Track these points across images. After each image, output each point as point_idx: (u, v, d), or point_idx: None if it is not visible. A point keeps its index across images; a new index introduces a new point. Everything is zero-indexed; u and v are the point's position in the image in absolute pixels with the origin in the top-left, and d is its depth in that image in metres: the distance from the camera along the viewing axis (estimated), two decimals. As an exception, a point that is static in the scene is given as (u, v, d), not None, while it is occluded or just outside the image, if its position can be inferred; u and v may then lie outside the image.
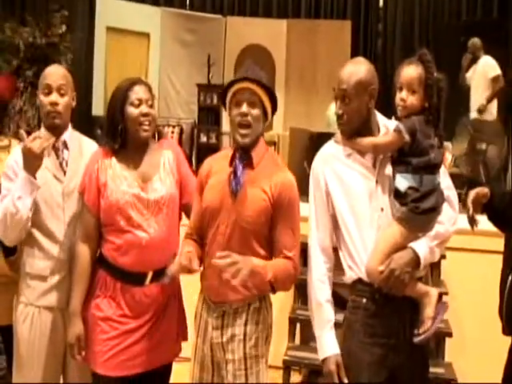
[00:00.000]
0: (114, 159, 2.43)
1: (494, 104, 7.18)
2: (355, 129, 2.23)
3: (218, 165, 2.32)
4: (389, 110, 2.33)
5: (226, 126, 7.98)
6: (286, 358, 3.66)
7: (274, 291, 2.26)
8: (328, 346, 2.26)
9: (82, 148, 2.59)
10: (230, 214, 2.23)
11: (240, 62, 8.79)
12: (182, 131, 7.59)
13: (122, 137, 2.41)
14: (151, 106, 2.41)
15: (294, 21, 9.09)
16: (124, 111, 2.38)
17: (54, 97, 2.48)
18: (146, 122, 2.38)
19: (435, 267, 3.94)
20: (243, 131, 2.23)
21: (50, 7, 7.23)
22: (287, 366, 3.65)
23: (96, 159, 2.45)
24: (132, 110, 2.37)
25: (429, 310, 2.18)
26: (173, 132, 7.49)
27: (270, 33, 8.84)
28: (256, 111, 2.22)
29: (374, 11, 9.58)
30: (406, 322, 2.20)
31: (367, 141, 2.22)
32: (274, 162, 2.32)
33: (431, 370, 3.10)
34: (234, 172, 2.23)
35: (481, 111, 7.05)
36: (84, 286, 2.42)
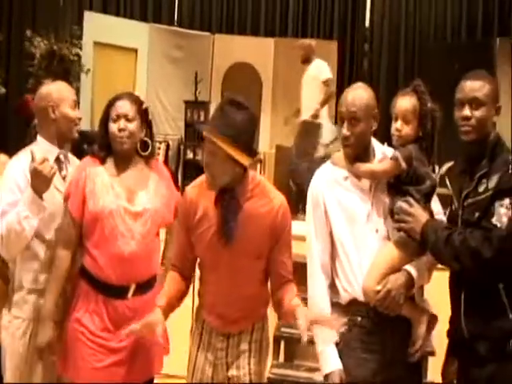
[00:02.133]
0: (102, 168, 2.45)
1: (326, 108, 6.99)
2: (358, 152, 2.28)
3: (204, 201, 2.21)
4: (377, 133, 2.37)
5: (212, 142, 8.00)
6: (271, 375, 3.64)
7: None
8: (332, 360, 2.27)
9: (73, 163, 2.62)
10: (228, 262, 2.18)
11: (227, 80, 8.85)
12: (168, 147, 7.61)
13: (107, 151, 2.46)
14: (130, 121, 2.43)
15: (282, 40, 9.17)
16: (107, 126, 2.44)
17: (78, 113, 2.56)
18: (122, 137, 2.42)
19: (419, 286, 3.98)
20: (208, 181, 2.16)
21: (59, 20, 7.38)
22: None
23: (84, 167, 2.47)
24: (111, 125, 2.43)
25: (422, 329, 2.24)
26: (159, 148, 7.51)
27: (257, 51, 8.91)
28: (217, 161, 2.10)
29: (361, 31, 9.73)
30: (401, 339, 2.24)
31: (366, 167, 2.27)
32: (265, 192, 2.23)
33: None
34: (223, 223, 2.14)
35: (315, 116, 6.85)
36: (59, 291, 2.41)
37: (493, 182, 2.11)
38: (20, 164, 2.41)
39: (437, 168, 2.38)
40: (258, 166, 7.83)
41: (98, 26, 8.17)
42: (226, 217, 2.14)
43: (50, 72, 6.79)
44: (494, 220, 2.06)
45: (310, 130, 6.79)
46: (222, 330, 2.28)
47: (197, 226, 2.22)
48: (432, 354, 3.71)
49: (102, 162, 2.46)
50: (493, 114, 2.19)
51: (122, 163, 2.47)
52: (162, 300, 2.20)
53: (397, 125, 2.26)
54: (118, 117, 2.42)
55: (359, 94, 2.25)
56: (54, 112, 2.51)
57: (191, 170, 7.46)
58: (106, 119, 2.45)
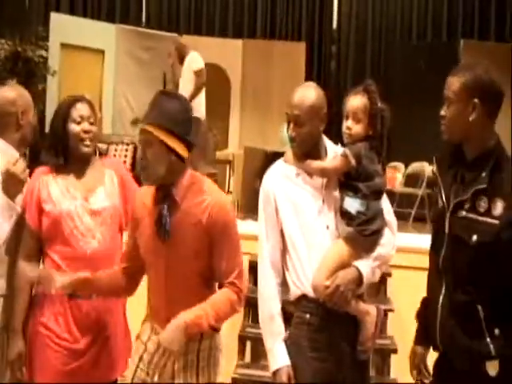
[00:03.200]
0: (56, 175, 2.45)
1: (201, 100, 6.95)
2: (306, 151, 2.33)
3: (146, 200, 2.20)
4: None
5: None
6: (235, 375, 3.67)
7: (217, 331, 2.25)
8: (279, 357, 2.31)
9: None
10: (166, 262, 2.16)
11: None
12: (135, 149, 7.56)
13: (64, 153, 2.45)
14: (92, 124, 2.46)
15: (250, 41, 9.20)
16: (66, 128, 2.43)
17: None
18: (87, 139, 2.43)
19: (382, 284, 4.04)
20: (142, 174, 2.16)
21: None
22: (236, 384, 3.66)
23: (38, 177, 2.47)
24: (73, 127, 2.43)
25: (369, 328, 2.28)
26: (127, 150, 7.45)
27: (225, 52, 8.90)
28: (151, 151, 2.09)
29: (328, 33, 9.80)
30: (349, 336, 2.28)
31: (316, 164, 2.32)
32: (202, 189, 2.18)
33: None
34: (159, 219, 2.12)
35: None
36: (25, 304, 2.41)
37: (498, 207, 1.97)
38: None
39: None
40: (228, 166, 7.86)
41: (64, 27, 8.07)
42: (162, 213, 2.12)
43: (15, 74, 6.73)
44: None
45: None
46: None
47: (138, 225, 2.23)
48: (394, 351, 3.79)
49: (57, 168, 2.45)
50: (468, 112, 2.00)
51: (78, 166, 2.48)
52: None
53: (347, 123, 2.32)
54: (82, 118, 2.43)
55: (303, 96, 2.29)
56: (22, 118, 2.51)
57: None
58: (65, 121, 2.44)
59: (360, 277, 2.25)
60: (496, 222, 1.95)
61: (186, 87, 6.76)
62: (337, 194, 2.32)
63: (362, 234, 2.25)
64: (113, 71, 8.53)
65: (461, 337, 2.01)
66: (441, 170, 2.16)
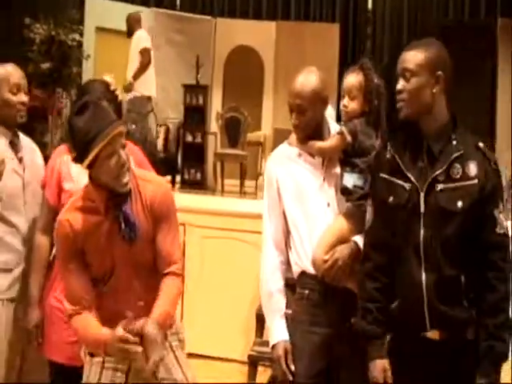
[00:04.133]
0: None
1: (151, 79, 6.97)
2: (309, 134, 2.38)
3: (82, 220, 2.12)
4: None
5: (212, 126, 8.07)
6: (252, 353, 3.74)
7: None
8: (277, 332, 2.38)
9: (30, 142, 2.73)
10: (127, 262, 2.14)
11: (229, 64, 8.87)
12: (168, 131, 7.67)
13: None
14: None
15: (283, 23, 9.15)
16: None
17: (24, 97, 2.57)
18: None
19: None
20: (125, 179, 2.10)
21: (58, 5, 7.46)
22: (252, 361, 3.73)
23: (58, 155, 2.58)
24: None
25: None
26: (159, 132, 7.57)
27: (259, 34, 8.89)
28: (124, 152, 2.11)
29: (363, 14, 9.66)
30: (347, 313, 2.29)
31: (315, 145, 2.37)
32: (141, 181, 2.19)
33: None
34: (125, 219, 2.09)
35: (127, 89, 6.73)
36: (42, 276, 2.54)
37: (472, 168, 2.05)
38: None
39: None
40: (259, 148, 7.90)
41: (99, 11, 8.21)
42: (127, 214, 2.09)
43: (49, 57, 6.88)
44: (498, 229, 2.06)
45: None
46: None
47: (87, 244, 2.13)
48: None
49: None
50: (431, 84, 2.06)
51: None
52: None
53: (344, 101, 2.36)
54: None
55: (304, 83, 2.32)
56: None
57: (190, 153, 7.51)
58: None
59: (358, 251, 2.27)
60: (475, 181, 2.04)
61: (132, 65, 6.97)
62: (338, 172, 2.36)
63: (360, 208, 2.27)
64: (147, 54, 8.63)
65: (449, 310, 2.06)
66: (399, 153, 2.14)
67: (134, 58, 7.04)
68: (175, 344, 2.25)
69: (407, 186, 2.08)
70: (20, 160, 2.63)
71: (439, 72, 2.07)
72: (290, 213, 2.39)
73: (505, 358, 2.08)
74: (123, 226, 2.09)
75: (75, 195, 2.21)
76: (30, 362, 2.67)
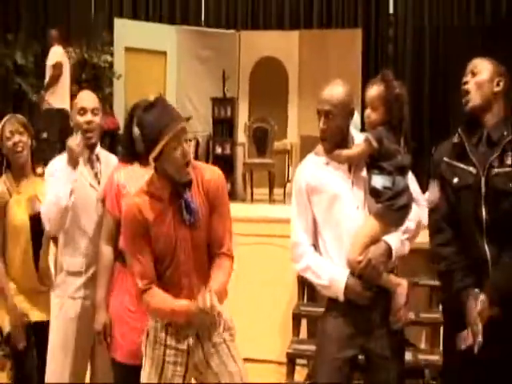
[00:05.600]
0: (132, 167, 2.72)
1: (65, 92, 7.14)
2: (335, 144, 2.51)
3: (148, 209, 2.32)
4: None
5: (240, 137, 8.29)
6: (290, 351, 3.90)
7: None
8: (338, 274, 2.48)
9: (108, 161, 3.04)
10: (187, 245, 2.35)
11: (254, 75, 9.08)
12: (198, 144, 7.91)
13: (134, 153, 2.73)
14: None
15: (306, 32, 9.33)
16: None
17: (89, 117, 2.92)
18: None
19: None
20: (187, 170, 2.31)
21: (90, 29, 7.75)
22: (290, 359, 3.89)
23: (117, 170, 2.83)
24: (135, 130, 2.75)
25: (401, 299, 2.44)
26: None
27: (282, 44, 9.08)
28: (186, 146, 2.31)
29: (385, 17, 9.75)
30: (380, 308, 2.46)
31: (343, 154, 2.50)
32: (200, 171, 2.40)
33: (424, 357, 3.35)
34: (187, 206, 2.30)
35: (40, 101, 7.06)
36: (108, 281, 2.78)
37: None
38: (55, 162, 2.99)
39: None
40: (286, 156, 8.07)
41: (127, 31, 8.49)
42: (188, 201, 2.32)
43: (83, 80, 7.20)
44: None
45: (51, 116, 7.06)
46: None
47: (153, 228, 2.33)
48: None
49: (130, 163, 2.71)
50: (493, 85, 2.47)
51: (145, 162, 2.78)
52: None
53: (366, 112, 2.50)
54: None
55: (334, 92, 2.46)
56: None
57: (220, 165, 7.68)
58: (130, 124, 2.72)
59: (390, 250, 2.43)
60: None
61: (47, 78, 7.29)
62: (365, 175, 2.50)
63: (391, 208, 2.41)
64: (175, 71, 8.88)
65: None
66: (467, 139, 2.48)
67: (47, 71, 7.37)
68: (228, 338, 2.43)
69: (473, 169, 2.43)
70: (96, 175, 2.98)
71: (499, 78, 2.49)
72: (320, 217, 2.52)
73: None
74: (185, 212, 2.30)
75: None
76: (101, 362, 2.94)
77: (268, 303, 4.73)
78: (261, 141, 7.74)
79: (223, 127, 7.93)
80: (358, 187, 2.50)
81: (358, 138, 2.55)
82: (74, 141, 2.82)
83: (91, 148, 2.98)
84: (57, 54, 7.32)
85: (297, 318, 4.15)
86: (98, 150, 3.03)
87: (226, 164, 7.71)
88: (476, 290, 2.36)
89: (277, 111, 8.60)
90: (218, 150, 7.78)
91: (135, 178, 2.70)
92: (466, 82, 2.49)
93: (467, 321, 2.34)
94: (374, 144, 2.45)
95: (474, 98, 2.46)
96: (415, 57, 9.43)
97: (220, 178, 2.41)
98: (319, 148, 2.58)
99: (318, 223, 2.54)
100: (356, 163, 2.51)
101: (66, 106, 7.12)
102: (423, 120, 8.94)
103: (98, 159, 3.01)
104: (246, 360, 4.25)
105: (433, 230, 2.53)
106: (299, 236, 2.56)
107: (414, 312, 3.96)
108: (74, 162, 2.82)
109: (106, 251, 2.80)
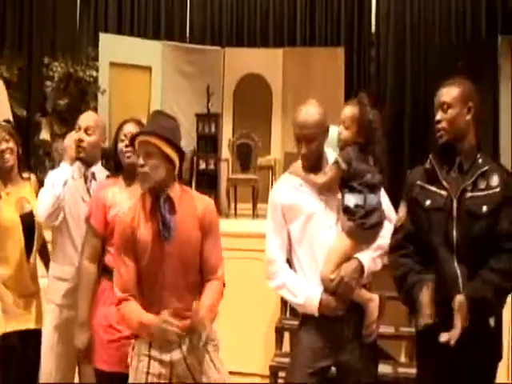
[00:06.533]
0: (116, 185, 2.89)
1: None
2: (312, 165, 2.61)
3: (138, 219, 2.45)
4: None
5: (224, 153, 8.33)
6: (273, 363, 3.94)
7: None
8: (312, 292, 2.54)
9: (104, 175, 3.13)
10: (170, 260, 2.41)
11: (238, 91, 9.16)
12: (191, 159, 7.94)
13: (118, 166, 2.95)
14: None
15: (290, 49, 9.45)
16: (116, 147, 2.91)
17: (81, 135, 3.04)
18: (128, 152, 2.86)
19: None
20: (142, 179, 2.43)
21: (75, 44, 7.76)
22: (273, 372, 3.93)
23: (102, 188, 2.90)
24: (121, 146, 2.89)
25: (373, 314, 2.51)
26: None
27: (266, 61, 9.18)
28: (153, 161, 2.38)
29: (367, 36, 9.93)
30: (350, 324, 2.54)
31: (318, 180, 2.59)
32: (191, 196, 2.51)
33: (404, 370, 3.40)
34: (163, 221, 2.38)
35: None
36: (91, 299, 2.81)
37: (494, 180, 2.44)
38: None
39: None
40: (270, 172, 8.14)
41: (112, 46, 8.48)
42: (164, 215, 2.38)
43: (68, 93, 7.23)
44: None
45: None
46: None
47: (134, 243, 2.43)
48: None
49: (115, 177, 2.91)
50: (464, 114, 2.48)
51: (130, 176, 2.88)
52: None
53: (339, 129, 2.61)
54: (125, 136, 2.86)
55: (309, 115, 2.54)
56: None
57: (204, 180, 7.79)
58: (115, 139, 2.92)
59: (362, 267, 2.50)
60: (497, 189, 2.43)
61: None
62: (337, 195, 2.59)
63: (362, 227, 2.49)
64: (160, 86, 8.93)
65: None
66: (438, 165, 2.50)
67: None
68: (211, 349, 2.49)
69: (444, 193, 2.45)
70: (88, 190, 3.07)
71: (470, 103, 2.49)
72: (295, 236, 2.60)
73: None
74: (161, 226, 2.38)
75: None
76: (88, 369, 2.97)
77: (252, 317, 4.77)
78: (245, 156, 7.81)
79: (207, 143, 7.98)
80: (331, 207, 2.59)
81: (331, 157, 2.64)
82: (70, 139, 3.02)
83: (86, 164, 3.07)
84: None
85: (279, 332, 4.20)
86: (97, 168, 3.11)
87: (210, 179, 7.76)
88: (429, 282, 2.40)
89: (261, 128, 8.68)
90: (202, 166, 7.83)
91: (123, 198, 2.81)
92: (438, 121, 2.50)
93: (418, 304, 2.38)
94: (343, 166, 2.55)
95: (448, 133, 2.50)
96: (397, 75, 9.57)
97: (214, 209, 2.53)
98: (294, 167, 2.67)
99: (292, 241, 2.62)
100: (329, 186, 2.60)
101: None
102: (403, 139, 9.05)
103: (93, 177, 3.08)
104: (231, 373, 4.29)
105: (393, 247, 2.56)
106: (274, 253, 2.62)
107: (393, 326, 4.01)
108: (69, 159, 3.00)
109: (89, 268, 2.83)
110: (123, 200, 2.82)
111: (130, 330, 2.49)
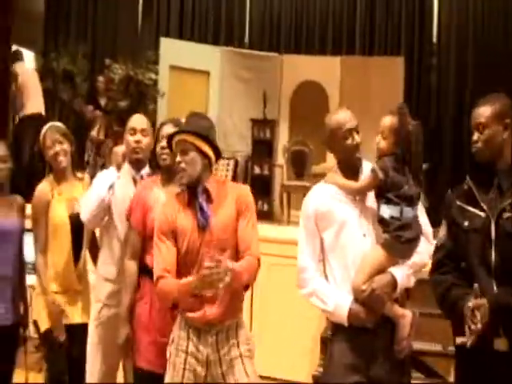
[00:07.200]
0: (156, 186, 2.93)
1: None
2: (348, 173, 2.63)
3: (177, 207, 2.60)
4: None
5: (279, 159, 8.34)
6: (316, 373, 3.90)
7: (247, 288, 2.58)
8: (342, 300, 2.52)
9: None
10: (208, 247, 2.48)
11: (295, 98, 9.15)
12: (236, 163, 8.00)
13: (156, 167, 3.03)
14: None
15: (348, 58, 9.39)
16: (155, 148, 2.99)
17: (138, 136, 3.10)
18: (164, 154, 2.95)
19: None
20: (180, 175, 2.59)
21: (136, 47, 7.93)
22: (316, 382, 3.90)
23: (145, 188, 2.94)
24: (158, 147, 2.98)
25: (405, 330, 2.46)
26: (228, 164, 7.90)
27: (324, 69, 9.14)
28: (189, 157, 2.53)
29: (428, 46, 9.77)
30: (382, 337, 2.50)
31: (354, 187, 2.57)
32: (227, 185, 2.68)
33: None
34: (200, 209, 2.53)
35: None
36: (132, 295, 2.85)
37: None
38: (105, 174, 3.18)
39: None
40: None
41: (173, 50, 8.66)
42: (201, 205, 2.52)
43: (127, 95, 7.38)
44: None
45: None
46: (210, 321, 2.50)
47: (175, 230, 2.56)
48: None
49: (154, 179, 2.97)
50: (500, 132, 2.42)
51: (166, 177, 2.96)
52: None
53: (377, 138, 2.59)
54: (163, 138, 2.89)
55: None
56: None
57: (258, 185, 7.80)
58: (155, 140, 3.01)
59: (394, 282, 2.46)
60: None
61: None
62: (373, 204, 2.55)
63: (398, 240, 2.45)
64: (217, 91, 9.02)
65: None
66: (476, 186, 2.46)
67: None
68: (246, 354, 2.52)
69: (482, 214, 2.39)
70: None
71: (507, 120, 2.42)
72: (328, 243, 2.59)
73: None
74: (198, 215, 2.51)
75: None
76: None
77: (298, 325, 4.74)
78: (299, 163, 7.79)
79: (262, 148, 8.00)
80: (366, 216, 2.56)
81: (366, 168, 2.62)
82: (120, 148, 3.09)
83: (138, 167, 3.11)
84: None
85: (324, 342, 4.14)
86: (146, 171, 3.14)
87: (264, 185, 7.77)
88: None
89: (316, 135, 8.59)
90: (257, 171, 7.85)
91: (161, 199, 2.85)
92: (475, 142, 2.46)
93: (464, 318, 2.30)
94: (380, 175, 2.51)
95: (484, 154, 2.45)
96: (458, 86, 9.37)
97: (249, 193, 2.66)
98: (330, 177, 2.66)
99: (325, 249, 2.60)
100: (364, 194, 2.58)
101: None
102: (463, 152, 8.83)
103: (141, 178, 3.11)
104: (273, 380, 4.29)
105: (434, 266, 2.54)
106: (306, 261, 2.62)
107: (441, 344, 3.92)
108: (117, 165, 3.05)
109: (130, 266, 2.88)
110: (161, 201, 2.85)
111: (169, 302, 2.54)
